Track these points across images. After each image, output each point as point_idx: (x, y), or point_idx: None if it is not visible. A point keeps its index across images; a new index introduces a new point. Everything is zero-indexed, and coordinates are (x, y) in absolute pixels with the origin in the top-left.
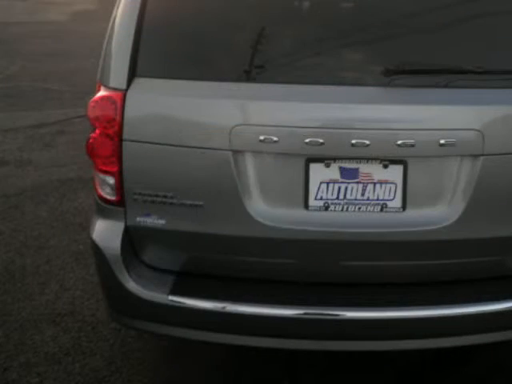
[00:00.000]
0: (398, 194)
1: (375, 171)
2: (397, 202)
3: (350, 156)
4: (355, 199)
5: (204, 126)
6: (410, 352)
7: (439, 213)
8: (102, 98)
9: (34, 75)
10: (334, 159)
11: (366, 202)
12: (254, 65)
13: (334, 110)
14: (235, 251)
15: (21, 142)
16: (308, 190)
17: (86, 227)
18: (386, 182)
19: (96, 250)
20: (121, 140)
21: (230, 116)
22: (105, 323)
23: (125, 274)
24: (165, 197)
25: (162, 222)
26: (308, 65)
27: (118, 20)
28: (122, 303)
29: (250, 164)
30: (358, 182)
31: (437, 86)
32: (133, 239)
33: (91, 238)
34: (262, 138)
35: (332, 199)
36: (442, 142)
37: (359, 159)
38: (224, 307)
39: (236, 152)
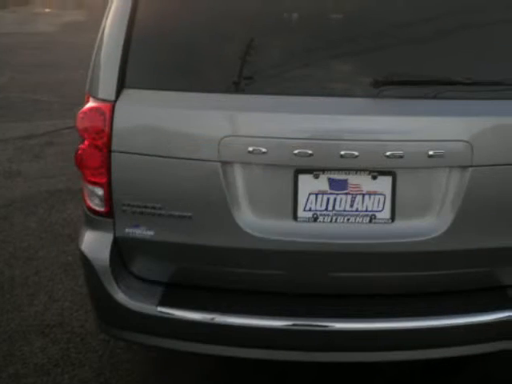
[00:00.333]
0: (387, 206)
1: (364, 182)
2: (385, 214)
3: (338, 167)
4: (344, 210)
5: (193, 137)
6: (400, 362)
7: (428, 224)
8: (91, 110)
9: (23, 86)
10: (323, 170)
11: (354, 214)
12: (243, 76)
13: (323, 122)
14: (224, 262)
15: (10, 153)
16: (297, 202)
17: (75, 238)
18: (375, 194)
19: (85, 261)
20: (109, 151)
21: (218, 127)
22: (94, 334)
23: (113, 285)
24: (154, 208)
25: (150, 233)
26: (297, 76)
27: (106, 31)
28: (110, 314)
29: (238, 175)
30: (346, 194)
31: (425, 97)
32: (122, 250)
33: (80, 249)
34: (250, 149)
35: (321, 210)
36: (430, 153)
37: (348, 170)
38: (213, 318)
39: (225, 163)
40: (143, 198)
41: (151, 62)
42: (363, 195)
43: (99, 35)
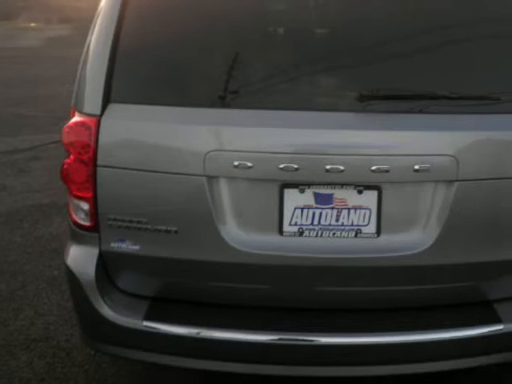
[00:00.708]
0: (373, 220)
1: (349, 197)
2: (371, 228)
3: (324, 181)
4: (329, 225)
5: (178, 151)
6: (387, 376)
7: (414, 238)
8: (77, 124)
9: (8, 101)
10: (309, 185)
11: (340, 228)
12: (229, 91)
13: (309, 136)
14: (210, 277)
15: None
16: (282, 216)
17: (61, 253)
18: (361, 208)
19: (70, 275)
20: (95, 166)
21: (204, 142)
22: (79, 349)
23: (99, 299)
24: (139, 222)
25: (136, 247)
26: (282, 90)
27: (92, 46)
28: (96, 329)
29: (224, 189)
30: (332, 208)
31: (411, 111)
32: (107, 265)
33: (66, 264)
34: (236, 163)
35: (306, 225)
36: (416, 167)
37: (333, 185)
38: (199, 333)
39: (210, 178)
40: (129, 212)
41: (137, 76)
42: (349, 209)
43: (85, 50)
